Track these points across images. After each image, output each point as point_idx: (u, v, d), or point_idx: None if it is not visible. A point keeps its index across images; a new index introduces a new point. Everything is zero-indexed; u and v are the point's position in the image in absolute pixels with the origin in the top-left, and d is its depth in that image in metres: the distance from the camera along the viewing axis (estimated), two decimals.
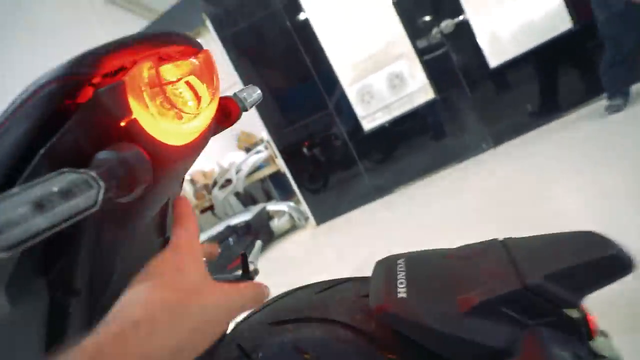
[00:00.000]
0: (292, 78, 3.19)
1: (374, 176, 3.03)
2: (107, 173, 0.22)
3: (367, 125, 2.91)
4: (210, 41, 3.00)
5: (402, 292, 0.34)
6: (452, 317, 0.31)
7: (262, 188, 4.24)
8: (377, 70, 2.83)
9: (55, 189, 0.18)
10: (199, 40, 0.33)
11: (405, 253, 0.42)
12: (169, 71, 0.30)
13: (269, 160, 3.86)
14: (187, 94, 0.32)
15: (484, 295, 0.31)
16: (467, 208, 1.98)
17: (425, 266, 0.38)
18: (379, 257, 0.45)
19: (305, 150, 3.14)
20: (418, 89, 2.78)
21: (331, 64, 2.87)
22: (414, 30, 2.72)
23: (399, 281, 0.36)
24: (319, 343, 0.37)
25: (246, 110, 0.41)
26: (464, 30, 2.63)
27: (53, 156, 0.24)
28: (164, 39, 0.29)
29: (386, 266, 0.40)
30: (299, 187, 3.10)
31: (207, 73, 0.32)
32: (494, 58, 2.61)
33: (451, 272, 0.36)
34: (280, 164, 3.19)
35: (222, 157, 4.59)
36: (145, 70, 0.27)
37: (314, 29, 2.84)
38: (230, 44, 2.99)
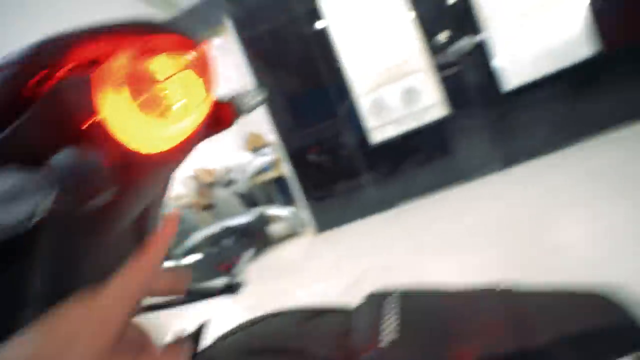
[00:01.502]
0: (306, 84, 3.19)
1: (379, 189, 2.99)
2: (58, 178, 0.20)
3: (377, 136, 2.88)
4: (229, 41, 3.02)
5: (389, 336, 0.30)
6: None
7: (265, 191, 4.22)
8: (391, 82, 2.81)
9: None
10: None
11: (398, 289, 0.38)
12: (156, 67, 0.27)
13: (275, 164, 3.85)
14: (175, 93, 0.29)
15: (483, 351, 0.27)
16: (469, 231, 1.92)
17: (418, 308, 0.34)
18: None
19: (312, 156, 3.13)
20: (431, 105, 2.75)
21: (346, 73, 2.86)
22: (431, 46, 2.69)
23: (387, 323, 0.32)
24: None
25: (242, 115, 0.38)
26: (483, 50, 2.59)
27: (3, 152, 0.21)
28: (151, 29, 0.26)
29: (376, 303, 0.36)
30: (303, 193, 3.07)
31: (202, 71, 0.29)
32: (511, 79, 2.56)
33: (447, 318, 0.32)
34: (286, 169, 3.17)
35: (228, 156, 4.59)
36: (123, 63, 0.24)
37: (332, 38, 2.84)
38: (249, 46, 3.01)
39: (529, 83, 2.54)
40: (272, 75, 3.15)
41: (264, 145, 4.77)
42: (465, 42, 2.60)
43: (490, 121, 2.66)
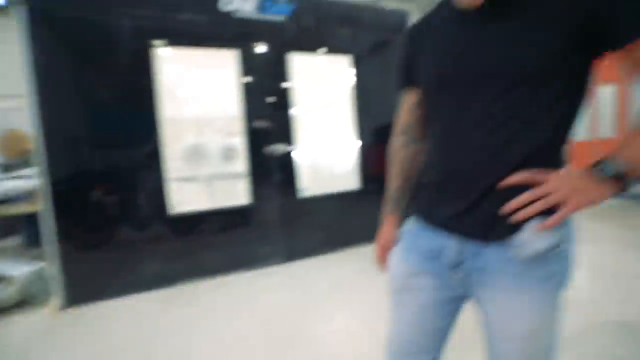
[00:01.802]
0: (109, 99, 2.60)
1: (163, 259, 2.75)
2: None
3: (179, 197, 2.72)
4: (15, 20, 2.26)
5: None
6: None
7: (4, 230, 3.07)
8: (209, 135, 2.79)
9: None
10: None
11: None
12: None
13: (34, 194, 2.92)
14: None
15: None
16: (242, 328, 2.02)
17: None
18: None
19: (96, 195, 2.57)
20: (240, 174, 2.88)
21: (164, 109, 2.64)
22: (251, 122, 2.91)
23: None
24: None
25: None
26: (290, 158, 3.02)
27: None
28: None
29: None
30: (60, 245, 2.39)
31: None
32: (306, 191, 3.08)
33: None
34: (44, 202, 2.36)
35: None
36: None
37: (156, 64, 2.62)
38: (47, 29, 2.34)
39: (318, 195, 3.12)
40: (63, 72, 2.45)
41: (27, 156, 3.62)
42: (280, 147, 2.96)
43: (282, 218, 3.03)
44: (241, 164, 2.89)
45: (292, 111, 3.06)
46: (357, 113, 3.33)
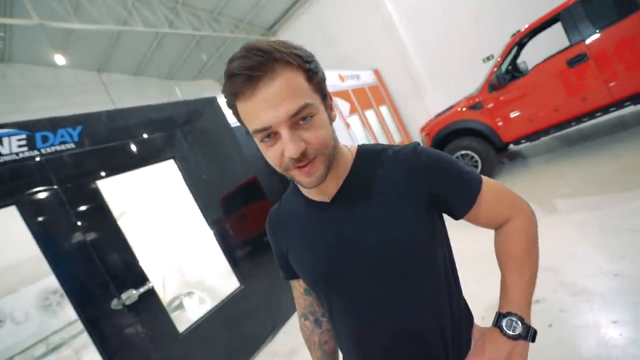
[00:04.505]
0: None
1: None
2: None
3: None
4: None
5: None
6: None
7: None
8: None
9: None
10: None
11: None
12: None
13: None
14: None
15: None
16: None
17: None
18: None
19: None
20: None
21: None
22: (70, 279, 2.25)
23: None
24: None
25: None
26: (152, 297, 2.49)
27: None
28: None
29: None
30: None
31: None
32: (182, 324, 2.60)
33: None
34: None
35: None
36: None
37: None
38: None
39: (196, 323, 2.69)
40: None
41: None
42: (131, 293, 2.40)
43: None
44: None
45: (129, 240, 2.54)
46: (202, 205, 3.05)
